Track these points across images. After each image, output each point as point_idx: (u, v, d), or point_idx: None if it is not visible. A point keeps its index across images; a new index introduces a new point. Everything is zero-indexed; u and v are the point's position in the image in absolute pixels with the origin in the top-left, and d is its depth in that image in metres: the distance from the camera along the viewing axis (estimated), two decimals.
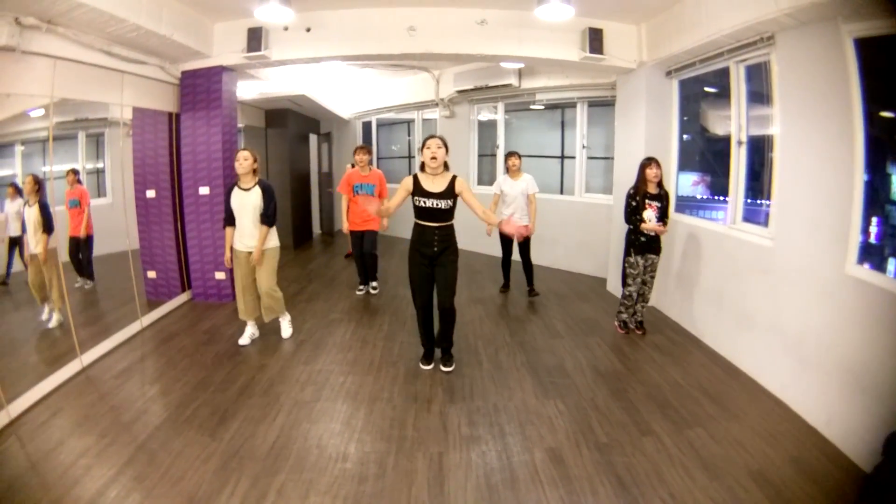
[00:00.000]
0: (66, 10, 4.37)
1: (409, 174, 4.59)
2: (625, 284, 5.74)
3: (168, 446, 3.62)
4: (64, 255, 5.14)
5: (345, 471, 3.39)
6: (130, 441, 3.67)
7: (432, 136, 4.54)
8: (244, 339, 5.49)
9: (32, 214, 4.70)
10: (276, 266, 5.42)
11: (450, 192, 4.49)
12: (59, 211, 4.97)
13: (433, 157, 4.45)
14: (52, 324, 4.93)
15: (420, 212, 4.54)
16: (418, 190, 4.51)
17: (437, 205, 4.47)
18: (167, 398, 4.32)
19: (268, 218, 5.18)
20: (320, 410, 4.15)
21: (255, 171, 5.19)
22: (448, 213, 4.55)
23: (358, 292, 7.40)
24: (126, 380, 4.66)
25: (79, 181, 5.37)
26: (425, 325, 4.89)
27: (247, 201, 5.12)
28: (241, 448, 3.61)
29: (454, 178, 4.55)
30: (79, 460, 3.44)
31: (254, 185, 5.16)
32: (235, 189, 5.17)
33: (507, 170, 7.04)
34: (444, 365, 4.90)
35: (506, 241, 7.13)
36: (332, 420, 4.00)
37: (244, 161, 5.09)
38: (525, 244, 7.09)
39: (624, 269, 5.72)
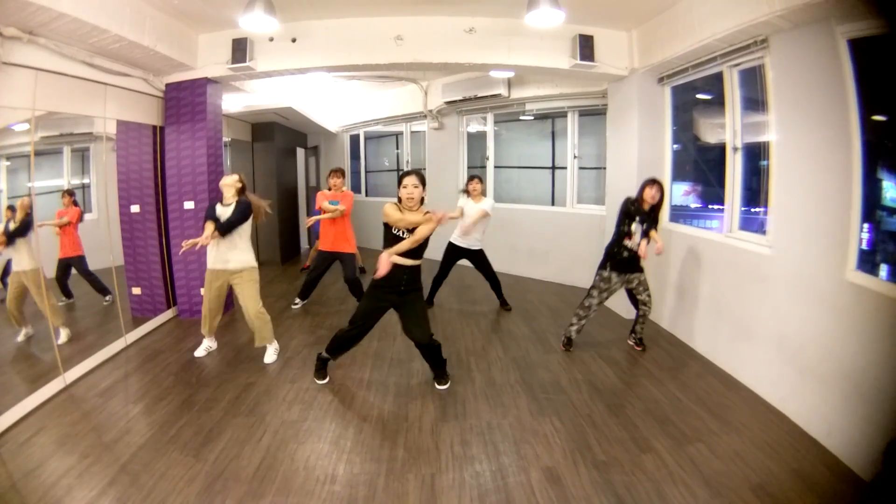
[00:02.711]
0: (48, 21, 4.28)
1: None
2: (588, 295, 5.55)
3: (151, 467, 3.51)
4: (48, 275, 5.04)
5: (333, 493, 3.27)
6: (113, 461, 3.57)
7: (409, 174, 4.34)
8: (200, 352, 5.47)
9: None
10: (258, 288, 5.31)
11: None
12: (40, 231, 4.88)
13: (410, 197, 4.28)
14: (20, 337, 4.95)
15: (394, 241, 4.28)
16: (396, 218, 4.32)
17: (406, 235, 4.26)
18: (151, 417, 4.20)
19: (220, 225, 4.97)
20: (308, 430, 4.02)
21: (238, 192, 5.15)
22: (419, 251, 4.34)
23: (293, 307, 7.34)
24: (109, 398, 4.53)
25: (75, 203, 5.33)
26: (346, 342, 4.68)
27: (224, 215, 5.04)
28: (225, 469, 3.50)
29: (427, 213, 4.29)
30: (60, 480, 3.35)
31: (233, 202, 5.10)
32: (219, 205, 5.12)
33: (468, 193, 6.83)
34: (439, 383, 4.77)
35: (446, 262, 7.04)
36: (320, 440, 3.88)
37: (227, 188, 5.12)
38: (485, 263, 6.99)
39: (595, 280, 5.52)
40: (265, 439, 3.88)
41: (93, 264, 5.77)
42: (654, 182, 5.29)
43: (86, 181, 5.85)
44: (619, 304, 6.57)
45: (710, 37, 4.92)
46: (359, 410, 4.35)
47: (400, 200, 4.38)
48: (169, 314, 6.77)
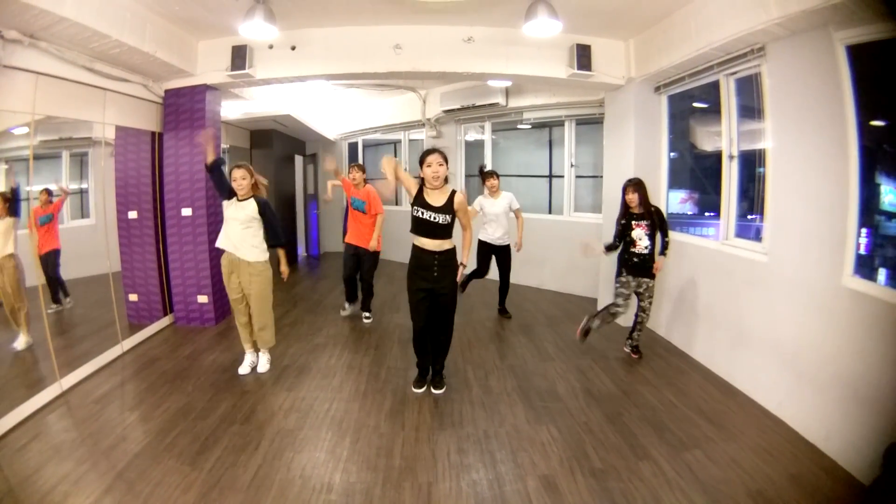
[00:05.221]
0: (49, 25, 4.30)
1: (395, 195, 4.48)
2: (614, 304, 5.53)
3: (147, 475, 3.49)
4: (41, 277, 4.96)
5: (329, 502, 3.25)
6: (109, 469, 3.55)
7: (431, 152, 4.38)
8: (243, 369, 5.27)
9: (1, 227, 4.66)
10: (271, 289, 5.23)
11: (449, 208, 4.37)
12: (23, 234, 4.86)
13: (435, 176, 4.32)
14: (21, 346, 4.83)
15: (417, 224, 4.40)
16: (419, 199, 4.38)
17: (435, 219, 4.32)
18: (147, 425, 4.18)
19: (277, 238, 5.09)
20: (304, 439, 4.01)
21: (252, 187, 4.97)
22: (446, 230, 4.41)
23: (342, 312, 7.28)
24: (106, 405, 4.52)
25: (51, 201, 5.21)
26: (421, 348, 4.80)
27: (240, 214, 4.89)
28: (221, 478, 3.47)
29: (453, 192, 4.43)
30: (57, 487, 3.33)
31: (249, 198, 4.94)
32: (234, 201, 4.94)
33: (487, 190, 6.92)
34: (435, 387, 4.81)
35: (483, 259, 7.05)
36: (317, 449, 3.86)
37: (241, 181, 4.85)
38: (507, 262, 7.04)
39: (616, 289, 5.53)
40: (261, 448, 3.85)
41: (90, 270, 5.74)
42: (629, 185, 5.33)
43: (84, 186, 5.85)
44: None
45: (707, 46, 4.94)
46: (355, 419, 4.33)
47: (423, 180, 4.42)
48: (165, 321, 6.75)
